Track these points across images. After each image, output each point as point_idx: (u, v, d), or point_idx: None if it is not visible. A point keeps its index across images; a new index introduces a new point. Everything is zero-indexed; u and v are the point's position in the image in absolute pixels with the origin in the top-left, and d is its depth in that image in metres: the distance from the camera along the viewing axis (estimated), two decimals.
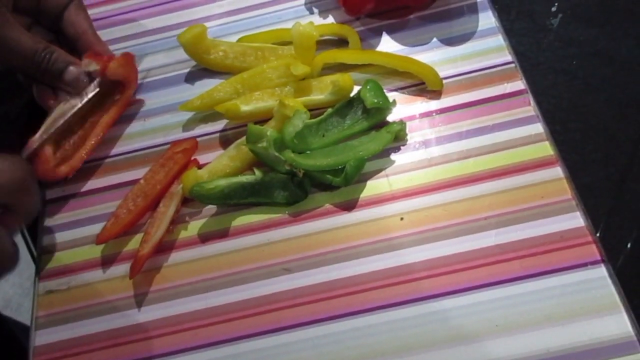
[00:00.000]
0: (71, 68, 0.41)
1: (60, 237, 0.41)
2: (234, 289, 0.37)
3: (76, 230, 0.41)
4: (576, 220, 0.36)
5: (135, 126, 0.45)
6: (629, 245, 0.38)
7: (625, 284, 0.36)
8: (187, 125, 0.44)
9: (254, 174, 0.39)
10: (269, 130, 0.38)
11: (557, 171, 0.37)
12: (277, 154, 0.37)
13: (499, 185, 0.37)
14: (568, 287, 0.34)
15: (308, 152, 0.39)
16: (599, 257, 0.34)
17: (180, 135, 0.44)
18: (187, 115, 0.44)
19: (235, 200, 0.39)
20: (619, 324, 0.33)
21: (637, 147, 0.41)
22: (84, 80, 0.42)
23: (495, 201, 0.37)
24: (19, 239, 0.43)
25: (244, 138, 0.40)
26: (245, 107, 0.41)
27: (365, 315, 0.34)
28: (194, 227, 0.39)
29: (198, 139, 0.43)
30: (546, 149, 0.38)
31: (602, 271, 0.34)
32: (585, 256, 0.35)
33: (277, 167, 0.39)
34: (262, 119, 0.42)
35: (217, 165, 0.40)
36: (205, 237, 0.39)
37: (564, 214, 0.36)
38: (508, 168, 0.38)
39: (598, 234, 0.38)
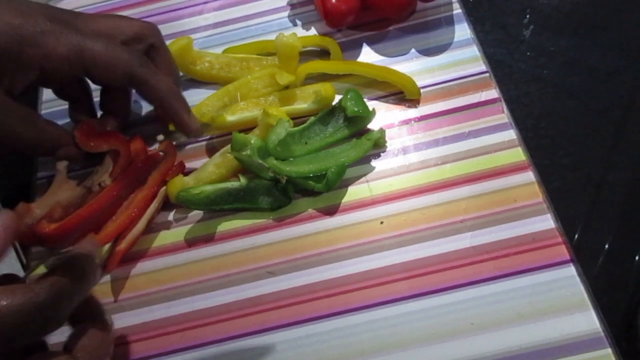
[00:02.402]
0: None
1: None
2: (220, 292, 0.38)
3: None
4: (547, 222, 0.37)
5: None
6: (606, 246, 0.40)
7: (599, 285, 0.38)
8: (172, 136, 0.45)
9: (239, 180, 0.40)
10: (253, 138, 0.40)
11: (529, 176, 0.39)
12: (260, 161, 0.39)
13: (474, 189, 0.39)
14: (539, 286, 0.35)
15: (291, 159, 0.41)
16: (568, 258, 0.36)
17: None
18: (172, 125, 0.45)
19: (220, 205, 0.40)
20: (588, 320, 0.34)
21: (608, 151, 0.43)
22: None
23: (470, 205, 0.39)
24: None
25: (229, 146, 0.41)
26: (231, 118, 0.43)
27: (346, 315, 0.36)
28: (180, 233, 0.40)
29: (185, 147, 0.44)
30: (519, 154, 0.40)
31: (571, 270, 0.36)
32: (555, 256, 0.36)
33: (261, 174, 0.40)
34: (248, 127, 0.43)
35: (203, 172, 0.42)
36: (191, 242, 0.40)
37: (535, 217, 0.38)
38: (483, 173, 0.40)
39: (576, 236, 0.39)
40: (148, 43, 0.39)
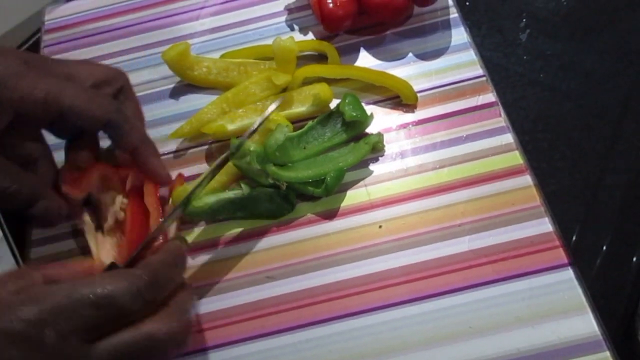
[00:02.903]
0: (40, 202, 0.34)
1: (47, 249, 0.41)
2: (219, 297, 0.38)
3: (62, 243, 0.41)
4: (545, 225, 0.38)
5: None
6: (604, 249, 0.40)
7: (597, 287, 0.38)
8: (171, 140, 0.45)
9: (241, 188, 0.40)
10: (252, 145, 0.40)
11: (527, 179, 0.39)
12: (260, 167, 0.39)
13: (472, 193, 0.39)
14: (537, 289, 0.36)
15: (290, 164, 0.41)
16: (566, 261, 0.36)
17: (163, 149, 0.45)
18: (170, 129, 0.45)
19: (224, 215, 0.40)
20: (586, 323, 0.34)
21: (604, 154, 0.43)
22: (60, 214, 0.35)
23: (468, 208, 0.39)
24: (5, 250, 0.43)
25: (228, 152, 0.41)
26: (231, 126, 0.43)
27: (345, 319, 0.36)
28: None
29: (183, 153, 0.44)
30: (516, 158, 0.40)
31: (569, 274, 0.36)
32: (553, 260, 0.36)
33: (261, 180, 0.40)
34: None
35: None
36: (192, 248, 0.40)
37: (533, 220, 0.38)
38: (480, 177, 0.40)
39: (574, 238, 0.40)
40: (117, 86, 0.38)
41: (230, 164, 0.41)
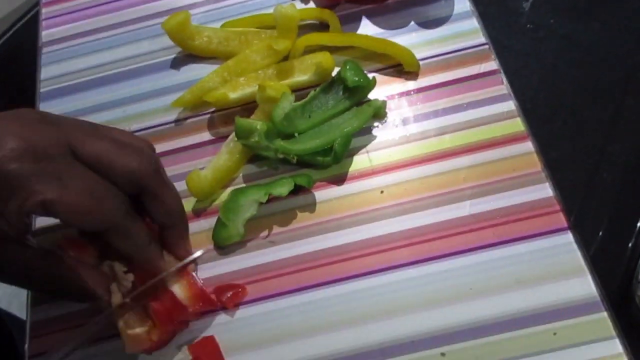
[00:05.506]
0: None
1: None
2: (222, 262, 0.38)
3: None
4: (545, 191, 0.38)
5: (116, 112, 0.46)
6: (605, 213, 0.40)
7: (599, 252, 0.38)
8: (172, 110, 0.45)
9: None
10: (259, 123, 0.39)
11: (528, 146, 0.39)
12: (269, 144, 0.38)
13: (473, 159, 0.39)
14: (537, 252, 0.36)
15: (295, 135, 0.41)
16: (566, 225, 0.37)
17: (164, 119, 0.45)
18: (171, 100, 0.45)
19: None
20: (584, 286, 0.35)
21: (606, 122, 0.43)
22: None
23: (469, 174, 0.39)
24: None
25: None
26: (233, 95, 0.43)
27: (347, 282, 0.36)
28: (187, 205, 0.40)
29: (184, 122, 0.44)
30: (517, 125, 0.40)
31: (568, 237, 0.36)
32: (553, 224, 0.37)
33: (270, 156, 0.40)
34: (250, 102, 0.43)
35: (218, 161, 0.41)
36: (197, 213, 0.40)
37: (533, 185, 0.38)
38: (482, 143, 0.40)
39: (576, 205, 0.40)
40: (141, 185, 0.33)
41: (238, 143, 0.41)
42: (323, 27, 0.47)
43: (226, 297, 0.36)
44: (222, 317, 0.36)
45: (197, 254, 0.37)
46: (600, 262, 0.37)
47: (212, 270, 0.38)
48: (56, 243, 0.34)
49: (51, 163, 0.29)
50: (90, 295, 0.33)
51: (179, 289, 0.34)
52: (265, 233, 0.39)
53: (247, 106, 0.44)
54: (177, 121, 0.45)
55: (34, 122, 0.31)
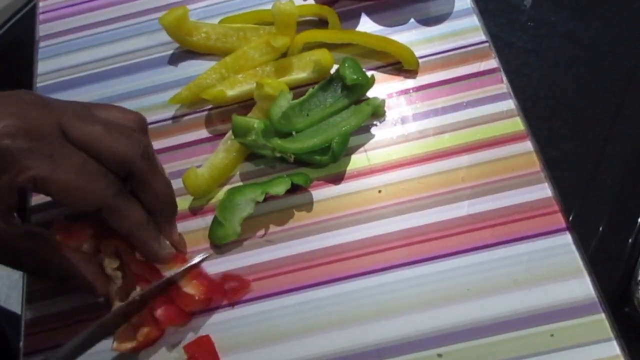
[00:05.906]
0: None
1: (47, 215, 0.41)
2: (218, 260, 0.38)
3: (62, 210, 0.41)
4: (544, 191, 0.38)
5: None
6: (604, 216, 0.40)
7: (597, 253, 0.38)
8: (169, 107, 0.45)
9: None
10: (256, 121, 0.39)
11: (527, 145, 0.39)
12: (266, 142, 0.38)
13: (472, 158, 0.39)
14: (535, 253, 0.36)
15: (293, 133, 0.40)
16: (564, 226, 0.36)
17: (161, 115, 0.44)
18: (169, 96, 0.44)
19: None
20: (583, 287, 0.35)
21: (607, 122, 0.43)
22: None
23: (468, 174, 0.39)
24: None
25: None
26: (231, 92, 0.42)
27: (344, 282, 0.36)
28: (184, 203, 0.40)
29: (181, 119, 0.44)
30: (517, 124, 0.40)
31: (567, 238, 0.36)
32: (552, 224, 0.36)
33: (267, 154, 0.40)
34: (248, 99, 0.43)
35: (215, 159, 0.40)
36: (194, 211, 0.40)
37: (532, 185, 0.38)
38: (481, 142, 0.40)
39: (575, 205, 0.40)
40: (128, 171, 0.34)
41: (236, 142, 0.40)
42: (322, 23, 0.46)
43: (230, 286, 0.36)
44: (217, 317, 0.36)
45: (201, 256, 0.37)
46: (598, 263, 0.36)
47: (208, 268, 0.38)
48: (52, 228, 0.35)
49: (43, 142, 0.30)
50: (80, 281, 0.33)
51: (185, 283, 0.35)
52: (262, 232, 0.39)
53: (245, 103, 0.43)
54: (174, 118, 0.44)
55: (29, 103, 0.31)
